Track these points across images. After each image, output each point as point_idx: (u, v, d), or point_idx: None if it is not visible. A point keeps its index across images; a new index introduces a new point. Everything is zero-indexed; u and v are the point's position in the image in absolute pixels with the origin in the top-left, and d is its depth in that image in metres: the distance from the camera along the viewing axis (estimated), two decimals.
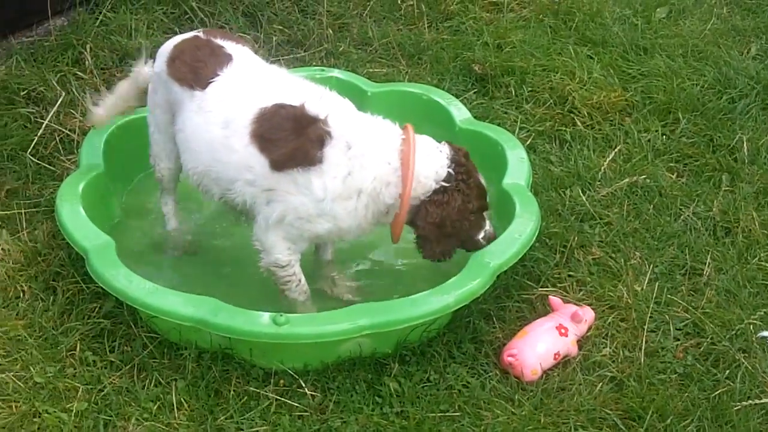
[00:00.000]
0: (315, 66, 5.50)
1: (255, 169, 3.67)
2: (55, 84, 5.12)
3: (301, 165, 3.60)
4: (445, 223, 3.74)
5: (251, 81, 3.84)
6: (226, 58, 3.90)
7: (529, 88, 5.55)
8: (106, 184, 4.37)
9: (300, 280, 3.88)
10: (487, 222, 3.94)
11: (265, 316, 3.53)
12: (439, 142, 3.83)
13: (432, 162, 3.72)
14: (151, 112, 4.17)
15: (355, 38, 6.03)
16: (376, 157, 3.66)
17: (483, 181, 3.88)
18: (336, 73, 5.19)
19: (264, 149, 3.64)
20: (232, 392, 3.56)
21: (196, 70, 3.87)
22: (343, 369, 3.67)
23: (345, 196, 3.63)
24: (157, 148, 4.20)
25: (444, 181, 3.72)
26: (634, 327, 3.97)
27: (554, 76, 5.62)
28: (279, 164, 3.62)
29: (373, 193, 3.67)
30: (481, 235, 3.90)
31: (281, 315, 3.50)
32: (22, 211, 4.39)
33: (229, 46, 3.98)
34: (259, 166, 3.65)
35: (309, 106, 3.66)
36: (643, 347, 3.86)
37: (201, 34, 4.06)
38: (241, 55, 3.96)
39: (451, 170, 3.73)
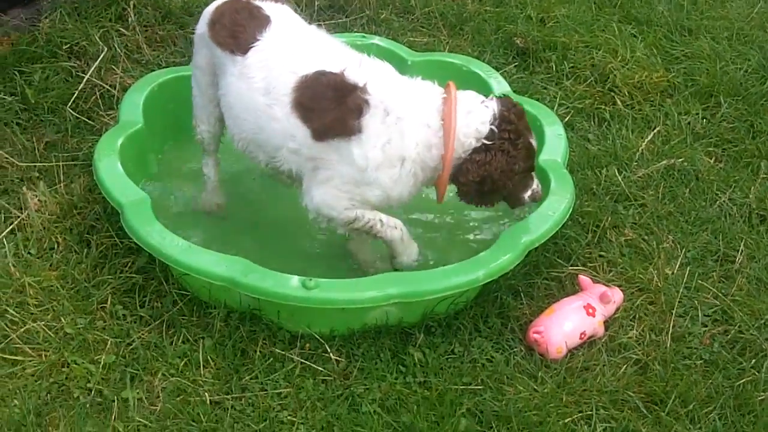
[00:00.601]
0: (356, 32, 5.49)
1: (298, 138, 3.67)
2: (98, 39, 5.15)
3: (341, 135, 3.59)
4: (486, 181, 3.71)
5: (291, 46, 3.82)
6: (265, 21, 3.88)
7: (571, 65, 5.51)
8: (144, 140, 4.41)
9: (381, 220, 3.81)
10: (535, 181, 3.90)
11: (295, 279, 3.55)
12: (490, 97, 3.78)
13: (473, 119, 3.66)
14: (194, 74, 4.18)
15: (397, 6, 6.00)
16: (415, 121, 3.63)
17: (533, 141, 3.80)
18: (377, 40, 5.17)
19: (305, 118, 3.64)
20: (258, 353, 3.60)
21: (235, 34, 3.86)
22: (368, 336, 3.70)
23: (388, 164, 3.62)
24: (198, 110, 4.22)
25: (486, 138, 3.66)
26: (662, 311, 3.96)
27: (596, 53, 5.57)
28: (320, 134, 3.63)
29: (418, 158, 3.65)
30: (528, 193, 3.88)
31: (311, 279, 3.53)
32: (60, 163, 4.44)
33: (269, 7, 3.96)
34: (302, 135, 3.66)
35: (349, 73, 3.64)
36: (670, 331, 3.85)
37: None
38: (280, 16, 3.94)
39: (494, 127, 3.66)
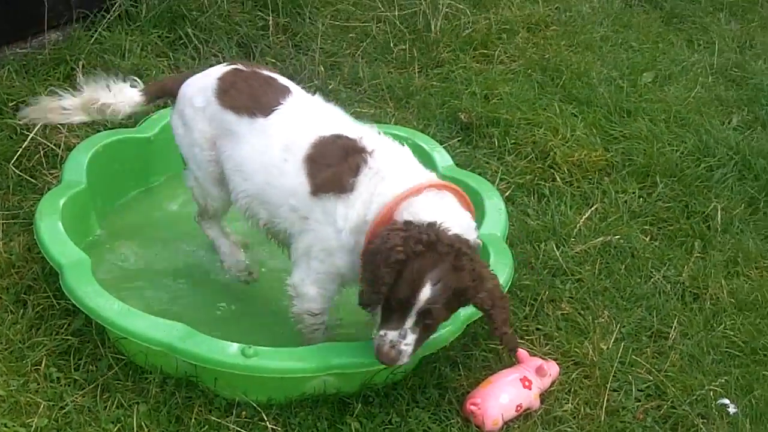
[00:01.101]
0: None
1: (298, 195, 3.71)
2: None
3: (334, 191, 3.64)
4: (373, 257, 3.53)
5: (314, 112, 3.92)
6: (285, 90, 3.96)
7: (513, 141, 5.62)
8: (87, 201, 4.39)
9: (325, 329, 3.88)
10: (396, 332, 3.43)
11: (234, 347, 3.54)
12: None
13: (417, 206, 3.54)
14: (191, 156, 4.13)
15: (346, 77, 6.10)
16: (387, 189, 3.59)
17: (425, 285, 3.37)
18: None
19: (310, 173, 3.70)
20: (193, 420, 3.56)
21: (256, 98, 3.91)
22: (306, 405, 3.68)
23: (360, 229, 3.61)
24: (203, 185, 4.17)
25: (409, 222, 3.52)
26: (597, 385, 4.01)
27: (538, 130, 5.70)
28: (316, 188, 3.67)
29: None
30: (381, 332, 3.47)
31: (250, 347, 3.52)
32: (0, 221, 4.39)
33: (282, 78, 4.06)
34: (302, 190, 3.70)
35: (364, 140, 3.71)
36: (605, 406, 3.90)
37: (240, 66, 4.08)
38: (297, 88, 4.04)
39: (426, 223, 3.47)
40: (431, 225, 3.41)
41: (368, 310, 3.60)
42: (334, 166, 3.65)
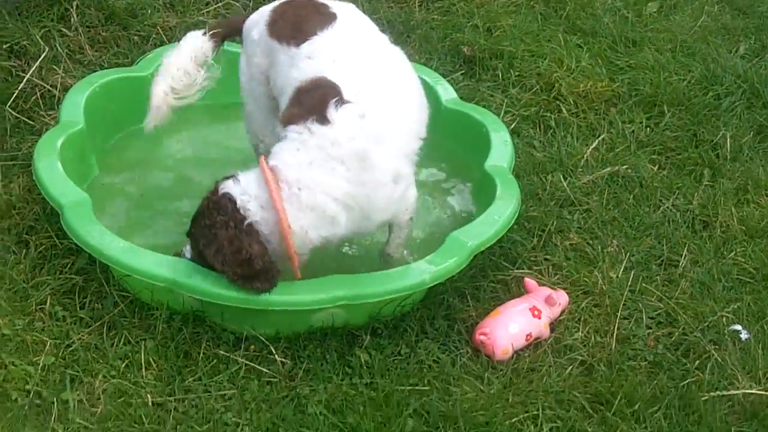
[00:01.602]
0: None
1: None
2: (39, 39, 5.03)
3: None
4: None
5: (338, 46, 3.80)
6: (330, 18, 3.86)
7: (517, 73, 5.53)
8: (85, 141, 4.32)
9: None
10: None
11: None
12: None
13: None
14: (249, 91, 4.10)
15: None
16: None
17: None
18: None
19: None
20: (201, 355, 3.54)
21: (299, 27, 3.85)
22: (314, 338, 3.65)
23: None
24: (257, 124, 4.13)
25: None
26: (607, 313, 3.98)
27: (542, 62, 5.60)
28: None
29: None
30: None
31: None
32: None
33: (337, 5, 3.98)
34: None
35: (344, 89, 3.57)
36: (615, 333, 3.87)
37: None
38: (347, 16, 3.94)
39: None
40: None
41: None
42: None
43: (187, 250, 3.65)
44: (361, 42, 3.89)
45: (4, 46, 4.98)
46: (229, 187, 3.51)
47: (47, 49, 4.99)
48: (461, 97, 4.95)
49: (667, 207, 4.65)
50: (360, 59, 3.78)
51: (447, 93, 4.89)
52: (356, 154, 3.48)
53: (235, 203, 3.47)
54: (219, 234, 3.45)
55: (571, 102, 5.35)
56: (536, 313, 3.80)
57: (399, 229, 3.90)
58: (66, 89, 4.69)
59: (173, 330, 3.61)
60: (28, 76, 4.80)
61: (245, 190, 3.49)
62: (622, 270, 4.21)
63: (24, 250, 3.91)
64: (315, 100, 3.57)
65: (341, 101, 3.53)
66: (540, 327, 3.80)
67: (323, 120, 3.51)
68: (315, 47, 3.78)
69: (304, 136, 3.52)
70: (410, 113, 3.76)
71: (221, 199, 3.49)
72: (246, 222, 3.45)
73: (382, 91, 3.68)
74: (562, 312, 3.94)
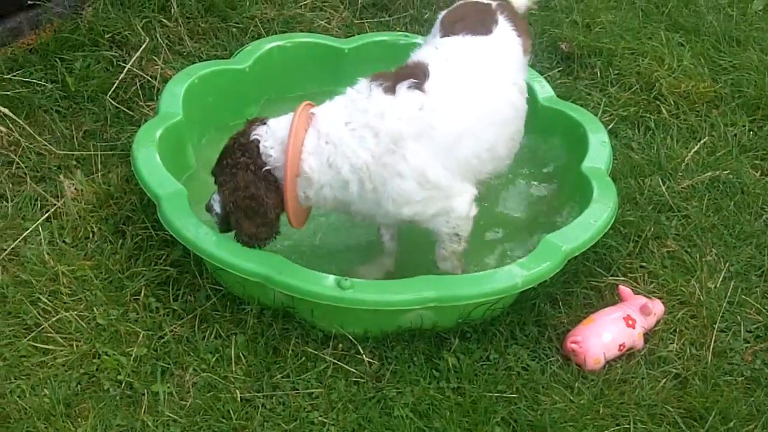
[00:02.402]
0: (398, 31, 5.43)
1: None
2: (140, 29, 5.12)
3: None
4: None
5: (462, 45, 3.92)
6: (490, 21, 4.00)
7: (616, 71, 5.41)
8: (183, 132, 4.37)
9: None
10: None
11: (330, 279, 3.51)
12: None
13: None
14: None
15: (441, 6, 5.88)
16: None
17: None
18: (419, 39, 5.09)
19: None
20: (290, 351, 3.56)
21: (455, 20, 4.02)
22: (402, 339, 3.64)
23: None
24: None
25: None
26: (703, 325, 3.86)
27: (642, 60, 5.47)
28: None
29: None
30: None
31: (346, 279, 3.48)
32: (99, 153, 4.43)
33: (504, 10, 4.09)
34: None
35: (432, 70, 3.67)
36: (711, 346, 3.76)
37: None
38: (505, 23, 4.03)
39: None
40: None
41: None
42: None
43: (215, 200, 3.69)
44: (483, 64, 3.87)
45: (107, 36, 5.08)
46: (257, 130, 3.59)
47: (148, 40, 5.07)
48: (559, 95, 4.87)
49: None
50: (467, 75, 3.78)
51: (544, 90, 4.81)
52: (392, 135, 3.50)
53: (258, 148, 3.55)
54: (238, 175, 3.55)
55: (672, 102, 5.21)
56: (630, 322, 3.71)
57: (440, 242, 3.81)
58: (165, 80, 4.77)
59: (263, 325, 3.63)
60: (128, 66, 4.88)
61: (272, 134, 3.58)
62: (720, 280, 4.08)
63: (120, 241, 3.98)
64: (400, 75, 3.63)
65: (417, 86, 3.56)
66: (634, 337, 3.71)
67: (389, 89, 3.55)
68: (448, 43, 3.86)
69: (362, 95, 3.58)
70: (486, 139, 3.73)
71: (248, 141, 3.58)
72: (265, 168, 3.53)
73: (462, 107, 3.67)
74: (657, 322, 3.84)
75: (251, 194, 3.54)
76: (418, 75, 3.62)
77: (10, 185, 4.23)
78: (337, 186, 3.56)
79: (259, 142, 3.56)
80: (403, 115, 3.51)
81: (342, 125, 3.53)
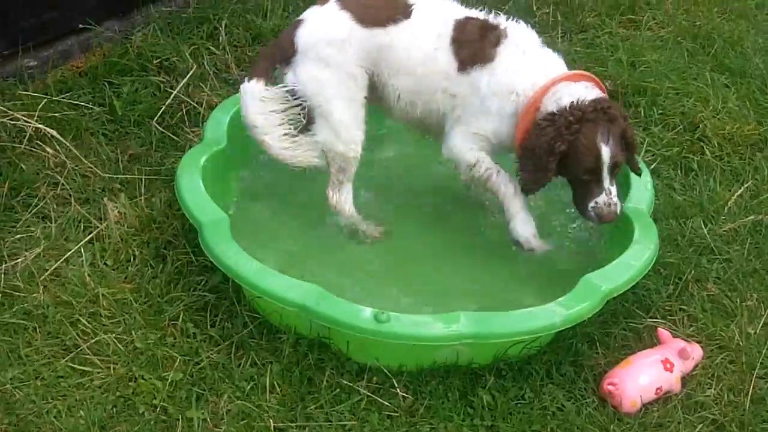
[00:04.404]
0: None
1: (450, 74, 4.07)
2: (188, 56, 5.20)
3: (479, 63, 4.03)
4: (527, 152, 3.93)
5: (442, 4, 4.22)
6: None
7: (660, 111, 5.39)
8: (226, 160, 4.41)
9: (498, 171, 4.12)
10: (603, 197, 3.90)
11: (368, 311, 3.50)
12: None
13: (563, 91, 3.92)
14: (335, 96, 4.12)
15: None
16: (533, 64, 4.03)
17: (604, 145, 3.85)
18: None
19: (456, 52, 4.06)
20: (325, 382, 3.56)
21: (390, 6, 4.16)
22: (437, 374, 3.63)
23: (502, 93, 4.00)
24: (350, 127, 4.16)
25: (556, 112, 3.87)
26: (742, 371, 3.81)
27: (687, 101, 5.44)
28: (464, 64, 4.05)
29: (520, 99, 3.98)
30: (591, 203, 3.92)
31: (384, 312, 3.48)
32: (143, 177, 4.48)
33: None
34: (452, 69, 4.06)
35: (491, 19, 4.11)
36: (750, 393, 3.71)
37: None
38: None
39: (568, 107, 3.85)
40: (572, 105, 3.86)
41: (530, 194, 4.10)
42: (476, 42, 4.04)
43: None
44: None
45: (155, 62, 5.16)
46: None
47: (195, 67, 5.14)
48: None
49: None
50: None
51: None
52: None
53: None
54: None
55: (716, 144, 5.17)
56: (668, 365, 3.68)
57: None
58: (211, 107, 4.82)
59: (299, 355, 3.64)
60: (175, 92, 4.95)
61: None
62: (761, 326, 4.03)
63: (161, 265, 4.02)
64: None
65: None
66: (671, 381, 3.67)
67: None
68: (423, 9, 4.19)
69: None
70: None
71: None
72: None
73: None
74: (695, 366, 3.79)
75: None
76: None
77: (55, 206, 4.28)
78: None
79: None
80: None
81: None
